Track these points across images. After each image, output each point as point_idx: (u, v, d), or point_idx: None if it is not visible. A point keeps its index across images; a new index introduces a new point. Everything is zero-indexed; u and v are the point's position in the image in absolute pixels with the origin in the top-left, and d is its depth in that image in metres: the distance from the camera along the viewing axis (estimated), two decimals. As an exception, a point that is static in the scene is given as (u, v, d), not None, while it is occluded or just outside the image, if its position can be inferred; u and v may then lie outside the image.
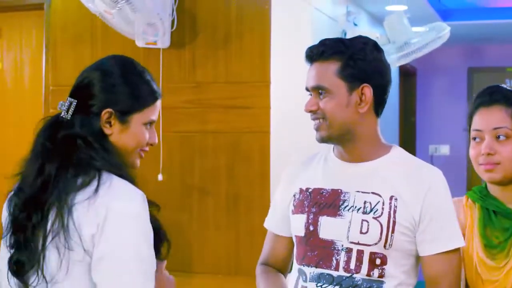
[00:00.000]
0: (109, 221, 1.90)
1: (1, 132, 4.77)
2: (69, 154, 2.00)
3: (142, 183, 4.54)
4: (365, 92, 2.29)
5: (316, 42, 2.36)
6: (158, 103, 2.15)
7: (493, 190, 2.39)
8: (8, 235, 2.01)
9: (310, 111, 2.32)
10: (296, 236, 2.38)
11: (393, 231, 2.23)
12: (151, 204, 2.08)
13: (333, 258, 2.25)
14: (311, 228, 2.30)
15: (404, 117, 8.68)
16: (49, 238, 1.92)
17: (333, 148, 2.42)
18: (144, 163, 4.45)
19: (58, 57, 4.51)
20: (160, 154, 4.23)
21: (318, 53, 2.31)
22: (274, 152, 4.13)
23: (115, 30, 4.09)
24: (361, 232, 2.24)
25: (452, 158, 8.93)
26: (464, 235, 2.37)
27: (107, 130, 2.05)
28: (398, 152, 2.38)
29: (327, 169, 2.39)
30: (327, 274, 2.26)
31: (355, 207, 2.27)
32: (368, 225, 2.24)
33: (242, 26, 4.17)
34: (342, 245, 2.25)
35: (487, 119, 2.33)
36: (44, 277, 1.92)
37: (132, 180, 2.03)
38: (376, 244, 2.23)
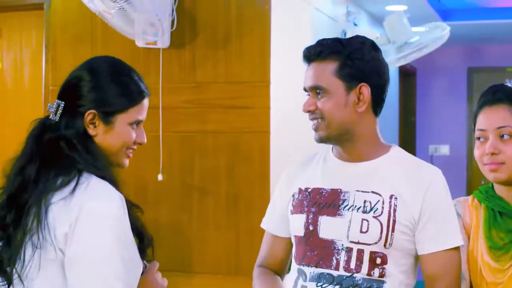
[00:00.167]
0: (82, 221, 1.91)
1: (1, 132, 4.77)
2: (51, 156, 2.01)
3: (142, 183, 4.56)
4: (363, 91, 2.29)
5: (315, 42, 2.36)
6: (145, 102, 2.14)
7: (500, 190, 2.36)
8: None
9: (308, 111, 2.32)
10: (295, 236, 2.37)
11: (393, 230, 2.23)
12: (133, 206, 2.09)
13: (333, 258, 2.25)
14: (311, 228, 2.30)
15: (404, 117, 8.68)
16: (27, 237, 1.93)
17: (332, 148, 2.42)
18: (144, 163, 4.47)
19: (58, 57, 4.50)
20: (160, 154, 4.23)
21: (316, 53, 2.31)
22: (274, 152, 4.13)
23: (115, 30, 4.09)
24: (361, 231, 2.24)
25: (452, 158, 8.93)
26: (469, 236, 2.37)
27: (91, 131, 2.06)
28: (397, 152, 2.38)
29: (327, 169, 2.39)
30: (327, 273, 2.26)
31: (355, 206, 2.27)
32: (368, 224, 2.24)
33: (242, 26, 4.17)
34: (342, 245, 2.25)
35: (491, 118, 2.32)
36: (19, 275, 1.94)
37: (114, 182, 2.03)
38: (376, 243, 2.23)
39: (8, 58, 5.04)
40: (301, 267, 2.32)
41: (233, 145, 4.17)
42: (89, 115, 2.04)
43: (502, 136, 2.30)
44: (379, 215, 2.24)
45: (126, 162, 2.16)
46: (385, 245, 2.23)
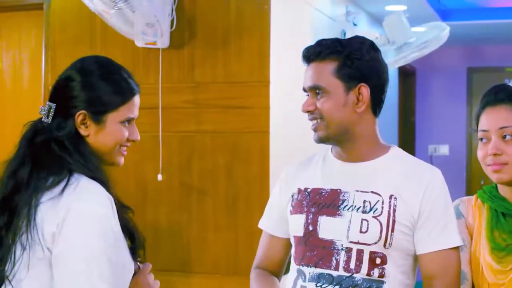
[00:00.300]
0: (69, 221, 1.92)
1: (0, 132, 4.77)
2: (43, 158, 2.02)
3: (142, 183, 4.56)
4: (362, 91, 2.29)
5: (314, 42, 2.36)
6: (136, 99, 2.15)
7: (503, 191, 2.35)
8: None
9: (308, 112, 2.32)
10: (294, 236, 2.37)
11: (392, 230, 2.23)
12: (124, 207, 2.10)
13: (333, 258, 2.25)
14: (310, 228, 2.30)
15: (404, 117, 8.68)
16: (18, 237, 1.95)
17: (331, 149, 2.42)
18: (143, 163, 4.47)
19: (57, 57, 4.50)
20: (159, 154, 4.22)
21: (315, 53, 2.31)
22: (274, 152, 4.12)
23: (114, 30, 4.08)
24: (360, 232, 2.24)
25: (452, 158, 8.93)
26: (472, 236, 2.36)
27: (83, 132, 2.07)
28: (396, 152, 2.38)
29: (326, 169, 2.39)
30: (327, 274, 2.25)
31: (355, 206, 2.27)
32: (368, 224, 2.24)
33: (241, 26, 4.17)
34: (342, 245, 2.25)
35: (493, 119, 2.31)
36: (7, 275, 1.95)
37: (104, 183, 2.03)
38: (376, 243, 2.23)
39: (7, 58, 5.04)
40: (301, 267, 2.32)
41: (232, 145, 4.17)
42: (79, 115, 2.05)
43: (504, 137, 2.28)
44: (379, 215, 2.24)
45: (121, 160, 2.16)
46: (384, 245, 2.23)
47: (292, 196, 2.40)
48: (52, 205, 1.94)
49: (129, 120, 2.13)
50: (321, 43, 2.32)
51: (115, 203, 2.04)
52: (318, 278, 2.26)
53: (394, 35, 5.73)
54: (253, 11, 4.15)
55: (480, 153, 2.34)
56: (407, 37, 5.69)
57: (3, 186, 2.04)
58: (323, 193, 2.33)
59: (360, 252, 2.24)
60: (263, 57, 4.11)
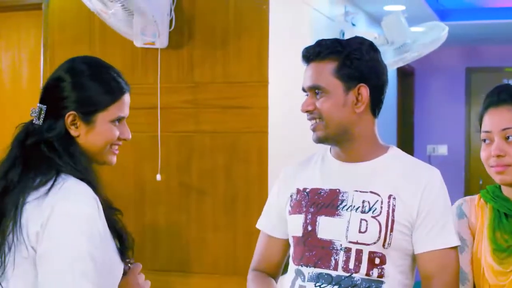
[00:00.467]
0: (53, 220, 1.93)
1: (-1, 133, 4.78)
2: (33, 159, 2.04)
3: (140, 183, 4.56)
4: (362, 92, 2.29)
5: (314, 42, 2.36)
6: (126, 98, 2.16)
7: (507, 191, 2.34)
8: None
9: (307, 111, 2.33)
10: (293, 236, 2.37)
11: (391, 230, 2.23)
12: (113, 209, 2.11)
13: (332, 258, 2.26)
14: (309, 228, 2.30)
15: (402, 117, 8.68)
16: (6, 237, 1.96)
17: (330, 149, 2.42)
18: (142, 163, 4.47)
19: (56, 57, 4.50)
20: (158, 154, 4.22)
21: (315, 53, 2.32)
22: (272, 152, 4.12)
23: (113, 30, 4.08)
24: (359, 231, 2.24)
25: (450, 158, 8.93)
26: (474, 236, 2.36)
27: (73, 132, 2.08)
28: (395, 152, 2.39)
29: (325, 169, 2.39)
30: (326, 274, 2.26)
31: (354, 206, 2.27)
32: (367, 224, 2.24)
33: (240, 26, 4.17)
34: (341, 245, 2.26)
35: (496, 120, 2.30)
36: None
37: (93, 184, 2.04)
38: (375, 243, 2.23)
39: (6, 58, 5.04)
40: (299, 267, 2.32)
41: (231, 145, 4.17)
42: (69, 116, 2.07)
43: (507, 138, 2.27)
44: (378, 215, 2.24)
45: (113, 159, 2.17)
46: (383, 245, 2.23)
47: (291, 196, 2.41)
48: (38, 205, 1.96)
49: (120, 119, 2.14)
50: (320, 43, 2.32)
51: (104, 204, 2.05)
52: (317, 278, 2.26)
53: (392, 35, 5.74)
54: (251, 11, 4.15)
55: (483, 154, 2.33)
56: (405, 37, 5.69)
57: None
58: (322, 193, 2.33)
59: (359, 252, 2.24)
60: (262, 57, 4.11)
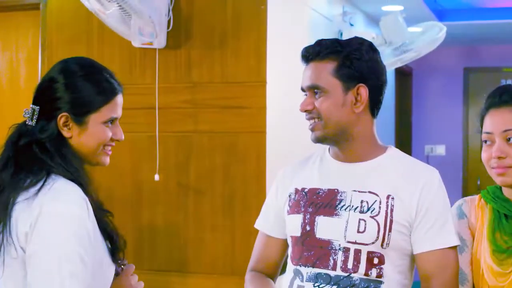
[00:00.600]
0: (41, 221, 1.94)
1: (-3, 132, 4.77)
2: (25, 160, 2.04)
3: (139, 183, 4.55)
4: (361, 92, 2.29)
5: (312, 42, 2.36)
6: (118, 99, 2.15)
7: (508, 192, 2.33)
8: None
9: (306, 111, 2.32)
10: (291, 236, 2.37)
11: (390, 230, 2.23)
12: (103, 210, 2.11)
13: (330, 258, 2.25)
14: (308, 228, 2.30)
15: (400, 117, 8.68)
16: None
17: (329, 149, 2.42)
18: (140, 163, 4.46)
19: (54, 57, 4.50)
20: (156, 154, 4.22)
21: (314, 53, 2.31)
22: (270, 152, 4.13)
23: (111, 31, 4.09)
24: (358, 231, 2.24)
25: (448, 158, 8.94)
26: (474, 237, 2.36)
27: (66, 133, 2.08)
28: (394, 152, 2.39)
29: (323, 169, 2.39)
30: (325, 274, 2.26)
31: (352, 206, 2.27)
32: (365, 224, 2.24)
33: (238, 26, 4.17)
34: (339, 245, 2.26)
35: (497, 121, 2.28)
36: None
37: (84, 185, 2.04)
38: (373, 243, 2.23)
39: (4, 58, 5.03)
40: (298, 267, 2.32)
41: (229, 145, 4.17)
42: (61, 118, 2.07)
43: (508, 140, 2.26)
44: (376, 215, 2.24)
45: (106, 160, 2.17)
46: (382, 245, 2.23)
47: (289, 196, 2.41)
48: (27, 205, 1.96)
49: (112, 120, 2.14)
50: (320, 43, 2.32)
51: (95, 206, 2.05)
52: (315, 278, 2.26)
53: (390, 36, 5.74)
54: (250, 11, 4.15)
55: (484, 155, 2.31)
56: (403, 38, 5.69)
57: None
58: (320, 193, 2.33)
59: (357, 252, 2.24)
60: (260, 57, 4.11)
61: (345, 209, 2.27)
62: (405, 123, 9.04)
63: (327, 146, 2.42)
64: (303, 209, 2.33)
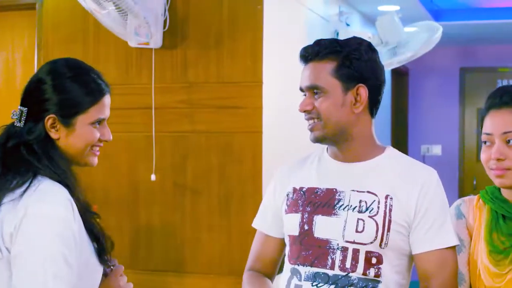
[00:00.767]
0: (26, 222, 1.94)
1: (-7, 132, 4.76)
2: (12, 161, 2.04)
3: (135, 183, 4.55)
4: (360, 92, 2.29)
5: (308, 42, 2.36)
6: (106, 100, 2.14)
7: (506, 193, 2.32)
8: None
9: (305, 111, 2.32)
10: (289, 235, 2.37)
11: (388, 230, 2.23)
12: (90, 212, 2.11)
13: (329, 257, 2.25)
14: (306, 227, 2.30)
15: (396, 117, 8.69)
16: None
17: (327, 149, 2.42)
18: (137, 163, 4.46)
19: (50, 57, 4.49)
20: (152, 154, 4.22)
21: (314, 53, 2.31)
22: (266, 152, 4.13)
23: (107, 30, 4.08)
24: (356, 231, 2.24)
25: (444, 158, 8.94)
26: (471, 237, 2.36)
27: (53, 135, 2.08)
28: (392, 153, 2.38)
29: (322, 169, 2.39)
30: (323, 273, 2.25)
31: (351, 206, 2.27)
32: (364, 224, 2.24)
33: (234, 26, 4.17)
34: (338, 244, 2.25)
35: (497, 122, 2.26)
36: None
37: (70, 187, 2.04)
38: (371, 243, 2.23)
39: (0, 58, 5.03)
40: (296, 266, 2.31)
41: (225, 145, 4.18)
42: (49, 119, 2.06)
43: (508, 142, 2.24)
44: (375, 215, 2.24)
45: (94, 160, 2.17)
46: (380, 245, 2.23)
47: (287, 195, 2.40)
48: (12, 206, 1.96)
49: (100, 121, 2.13)
50: (319, 43, 2.31)
51: (82, 207, 2.05)
52: (314, 277, 2.26)
53: (386, 36, 5.74)
54: (246, 11, 4.15)
55: (483, 156, 2.30)
56: (400, 38, 5.70)
57: None
58: (318, 193, 2.33)
59: (356, 252, 2.24)
60: (256, 57, 4.12)
61: (343, 209, 2.27)
62: (401, 123, 9.05)
63: (325, 146, 2.42)
64: (301, 208, 2.33)
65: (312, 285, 2.26)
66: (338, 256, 2.25)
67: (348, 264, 2.24)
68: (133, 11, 3.86)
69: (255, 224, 2.55)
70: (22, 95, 2.13)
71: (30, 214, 1.94)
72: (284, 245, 2.45)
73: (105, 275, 2.13)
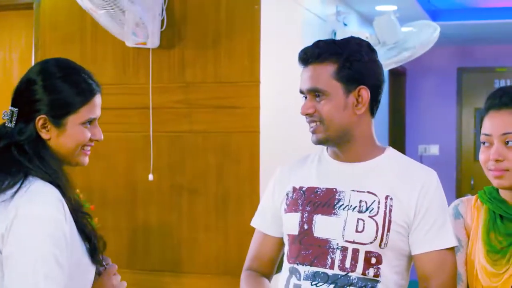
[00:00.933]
0: (17, 223, 1.94)
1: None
2: (3, 163, 2.04)
3: (132, 183, 4.54)
4: (362, 93, 2.29)
5: (306, 42, 2.35)
6: (96, 99, 2.14)
7: (504, 193, 2.32)
8: None
9: (307, 114, 2.31)
10: (288, 235, 2.37)
11: (388, 230, 2.23)
12: (82, 213, 2.11)
13: (328, 257, 2.25)
14: (306, 226, 2.30)
15: (394, 117, 8.69)
16: None
17: (327, 148, 2.42)
18: (134, 163, 4.46)
19: (47, 57, 4.45)
20: (150, 154, 4.22)
21: (313, 55, 2.30)
22: (264, 152, 4.13)
23: (105, 30, 4.08)
24: (356, 231, 2.24)
25: (442, 158, 8.95)
26: (469, 237, 2.36)
27: (44, 135, 2.08)
28: (392, 153, 2.38)
29: (322, 168, 2.39)
30: (322, 272, 2.25)
31: (351, 206, 2.27)
32: (364, 224, 2.24)
33: (232, 26, 4.17)
34: (337, 244, 2.25)
35: (496, 123, 2.26)
36: None
37: (61, 187, 2.04)
38: (371, 243, 2.23)
39: (-3, 58, 5.03)
40: (295, 265, 2.31)
41: (222, 145, 4.18)
42: (39, 120, 2.06)
43: (507, 143, 2.24)
44: (375, 215, 2.24)
45: (85, 160, 2.17)
46: (380, 245, 2.23)
47: (287, 194, 2.40)
48: (4, 207, 1.96)
49: (91, 121, 2.13)
50: (318, 45, 2.30)
51: (73, 207, 2.05)
52: (313, 277, 2.26)
53: (384, 35, 5.74)
54: (243, 11, 4.15)
55: (482, 157, 2.30)
56: (397, 38, 5.70)
57: None
58: (318, 192, 2.33)
59: (355, 252, 2.24)
60: (253, 57, 4.12)
61: (343, 209, 2.27)
62: (399, 123, 9.06)
63: (324, 146, 2.42)
64: (301, 208, 2.33)
65: (312, 285, 2.26)
66: (337, 255, 2.25)
67: (347, 264, 2.24)
68: (130, 11, 3.86)
69: (254, 223, 2.55)
70: (13, 96, 2.13)
71: (21, 215, 1.94)
72: (282, 244, 2.45)
73: (98, 274, 2.13)
